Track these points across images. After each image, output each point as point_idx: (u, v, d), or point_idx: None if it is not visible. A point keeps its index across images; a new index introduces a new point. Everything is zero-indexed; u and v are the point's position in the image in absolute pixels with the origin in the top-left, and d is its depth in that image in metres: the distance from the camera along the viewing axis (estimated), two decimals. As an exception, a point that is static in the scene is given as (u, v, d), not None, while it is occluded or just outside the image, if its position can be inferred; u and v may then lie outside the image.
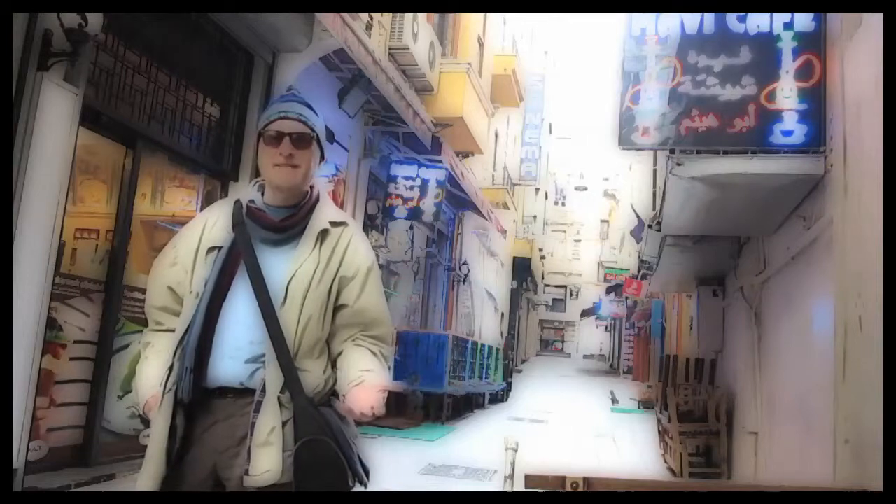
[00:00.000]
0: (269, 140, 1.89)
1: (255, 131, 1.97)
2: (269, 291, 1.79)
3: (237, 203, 1.94)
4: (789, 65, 4.61)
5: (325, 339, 1.88)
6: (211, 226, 1.95)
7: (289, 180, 1.89)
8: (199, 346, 1.78)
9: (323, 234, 1.90)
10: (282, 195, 1.91)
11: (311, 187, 1.98)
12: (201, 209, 6.11)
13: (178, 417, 1.77)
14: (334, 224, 1.94)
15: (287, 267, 1.84)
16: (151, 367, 1.90)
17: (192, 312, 1.82)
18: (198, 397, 1.78)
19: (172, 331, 1.88)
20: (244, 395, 1.78)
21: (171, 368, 1.81)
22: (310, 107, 1.97)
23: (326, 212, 1.96)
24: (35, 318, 4.02)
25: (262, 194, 1.95)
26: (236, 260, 1.85)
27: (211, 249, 1.88)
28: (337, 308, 1.89)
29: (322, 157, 1.98)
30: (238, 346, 1.79)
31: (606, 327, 43.38)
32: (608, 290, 32.03)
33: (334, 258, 1.89)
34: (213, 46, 6.14)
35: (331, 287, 1.87)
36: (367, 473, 1.81)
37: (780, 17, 4.65)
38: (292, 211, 1.91)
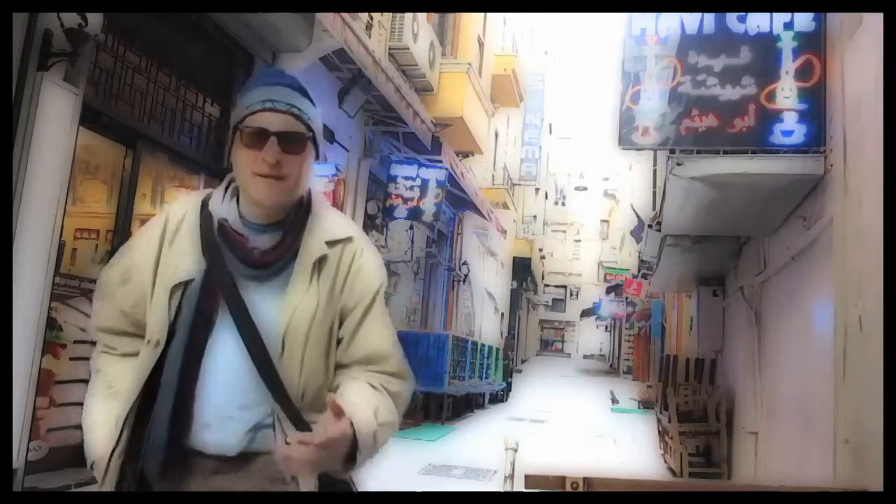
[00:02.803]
0: (250, 139, 1.42)
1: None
2: (263, 344, 1.39)
3: (205, 214, 1.48)
4: (789, 65, 4.61)
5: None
6: (171, 238, 1.49)
7: (273, 196, 1.43)
8: (174, 412, 1.39)
9: (321, 261, 1.47)
10: (264, 211, 1.46)
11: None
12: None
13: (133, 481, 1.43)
14: (333, 243, 1.49)
15: (278, 309, 1.42)
16: (102, 412, 1.48)
17: (148, 368, 1.42)
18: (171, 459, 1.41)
19: (130, 355, 1.51)
20: (241, 459, 1.42)
21: (121, 432, 1.42)
22: (304, 93, 1.49)
23: (323, 226, 1.50)
24: (35, 318, 4.02)
25: (238, 204, 1.48)
26: (212, 298, 1.42)
27: (177, 287, 1.43)
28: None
29: (317, 157, 1.52)
30: (229, 414, 1.40)
31: (606, 327, 43.37)
32: (608, 290, 32.04)
33: (336, 287, 1.48)
34: (213, 46, 6.14)
35: (332, 324, 1.48)
36: None
37: (780, 17, 4.65)
38: (277, 234, 1.46)
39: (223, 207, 1.48)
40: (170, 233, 1.50)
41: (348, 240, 1.52)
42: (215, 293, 1.42)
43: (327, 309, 1.46)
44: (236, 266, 1.44)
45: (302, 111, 1.45)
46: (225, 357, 1.41)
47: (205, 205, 1.50)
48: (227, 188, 1.52)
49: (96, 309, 1.59)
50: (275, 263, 1.45)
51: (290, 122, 1.43)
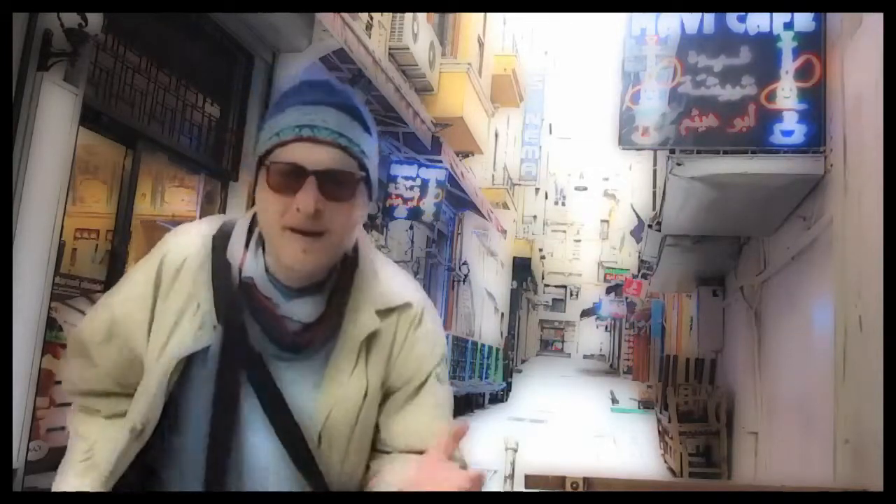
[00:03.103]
0: (279, 180, 1.04)
1: (255, 138, 1.21)
2: (302, 437, 1.09)
3: (218, 261, 1.12)
4: (789, 65, 4.61)
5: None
6: (167, 289, 1.13)
7: (309, 260, 1.06)
8: None
9: (371, 337, 1.13)
10: (297, 273, 1.10)
11: None
12: (201, 209, 6.11)
13: None
14: (386, 313, 1.14)
15: (315, 399, 1.10)
16: (78, 488, 1.19)
17: (128, 460, 1.12)
18: None
19: (118, 415, 1.20)
20: None
21: None
22: (357, 115, 1.09)
23: (375, 289, 1.15)
24: (35, 318, 4.02)
25: (264, 255, 1.12)
26: (232, 377, 1.09)
27: (180, 362, 1.09)
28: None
29: (370, 200, 1.14)
30: None
31: (606, 327, 43.38)
32: (608, 290, 32.04)
33: (388, 365, 1.15)
34: (213, 46, 6.14)
35: (380, 408, 1.16)
36: None
37: (780, 17, 4.66)
38: (315, 301, 1.11)
39: (248, 260, 1.11)
40: (166, 282, 1.12)
41: (406, 305, 1.16)
42: (235, 370, 1.09)
43: (378, 393, 1.14)
44: (263, 342, 1.08)
45: (352, 141, 1.06)
46: (256, 454, 1.10)
47: (217, 247, 1.13)
48: (249, 230, 1.14)
49: (72, 369, 1.26)
50: (312, 345, 1.09)
51: (337, 157, 1.04)
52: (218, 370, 1.09)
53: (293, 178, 1.03)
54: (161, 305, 1.13)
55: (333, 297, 1.12)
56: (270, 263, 1.11)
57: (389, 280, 1.19)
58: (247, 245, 1.13)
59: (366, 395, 1.12)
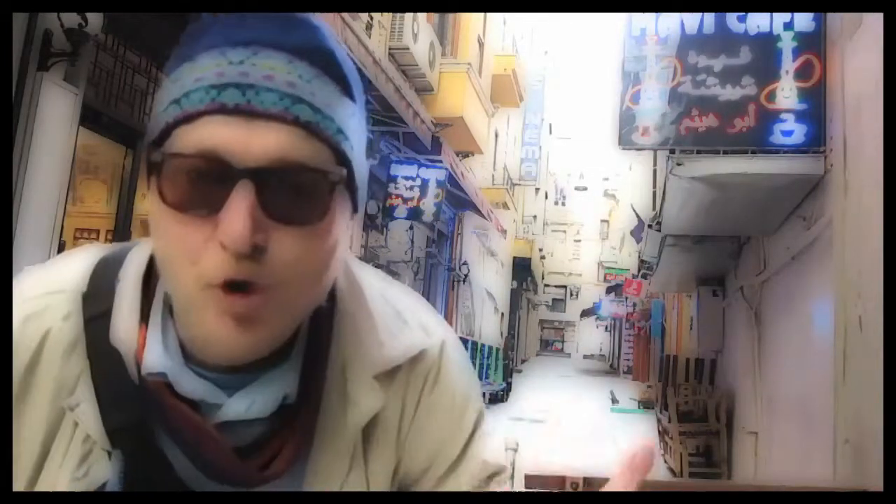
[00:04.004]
0: (183, 185, 0.56)
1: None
2: None
3: (95, 341, 0.64)
4: (789, 65, 4.61)
5: None
6: (21, 394, 0.64)
7: (246, 343, 0.58)
8: None
9: (372, 426, 0.70)
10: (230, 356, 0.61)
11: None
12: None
13: None
14: (391, 375, 0.71)
15: None
16: None
17: None
18: None
19: None
20: None
21: None
22: (330, 63, 0.60)
23: (371, 337, 0.71)
24: (35, 318, 4.02)
25: (176, 328, 0.64)
26: None
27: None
28: None
29: (355, 210, 0.65)
30: None
31: (606, 327, 43.38)
32: (608, 290, 32.03)
33: (397, 452, 0.73)
34: (213, 46, 6.15)
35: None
36: None
37: (780, 17, 4.66)
38: (274, 386, 0.64)
39: (150, 342, 0.63)
40: (16, 383, 0.63)
41: (416, 358, 0.73)
42: None
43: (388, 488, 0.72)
44: (194, 477, 0.64)
45: (322, 113, 0.58)
46: None
47: (94, 316, 0.65)
48: (146, 279, 0.66)
49: None
50: (278, 473, 0.65)
51: (294, 142, 0.57)
52: None
53: (211, 183, 0.55)
54: (14, 421, 0.63)
55: (304, 370, 0.66)
56: (186, 337, 0.62)
57: (390, 320, 0.73)
58: (143, 314, 0.65)
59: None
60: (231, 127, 0.55)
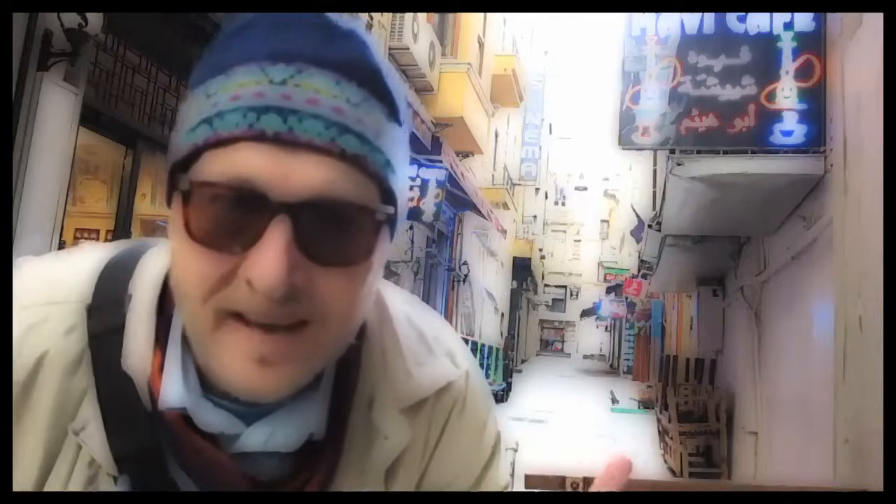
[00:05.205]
0: (212, 217, 0.52)
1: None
2: None
3: (110, 369, 0.59)
4: (789, 65, 4.61)
5: None
6: (20, 411, 0.58)
7: (270, 381, 0.54)
8: None
9: (399, 461, 0.68)
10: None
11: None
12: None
13: None
14: (418, 408, 0.69)
15: None
16: None
17: None
18: None
19: None
20: None
21: None
22: (378, 85, 0.55)
23: (399, 369, 0.68)
24: (35, 318, 4.02)
25: (193, 358, 0.58)
26: None
27: None
28: None
29: (391, 239, 0.59)
30: None
31: (606, 327, 43.39)
32: (608, 290, 32.04)
33: (418, 484, 0.73)
34: (213, 46, 6.15)
35: None
36: None
37: (780, 17, 4.66)
38: (298, 420, 0.60)
39: (168, 372, 0.59)
40: (16, 400, 0.58)
41: (444, 388, 0.71)
42: None
43: None
44: None
45: (371, 144, 0.54)
46: None
47: (100, 332, 0.60)
48: (160, 302, 0.61)
49: None
50: None
51: (338, 176, 0.52)
52: None
53: (242, 216, 0.51)
54: (14, 441, 0.58)
55: (332, 405, 0.63)
56: (205, 366, 0.57)
57: (416, 349, 0.70)
58: (159, 337, 0.60)
59: None
60: (270, 156, 0.50)
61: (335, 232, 0.52)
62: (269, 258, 0.49)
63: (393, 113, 0.56)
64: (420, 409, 0.69)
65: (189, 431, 0.58)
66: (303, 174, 0.51)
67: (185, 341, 0.59)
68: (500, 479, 0.76)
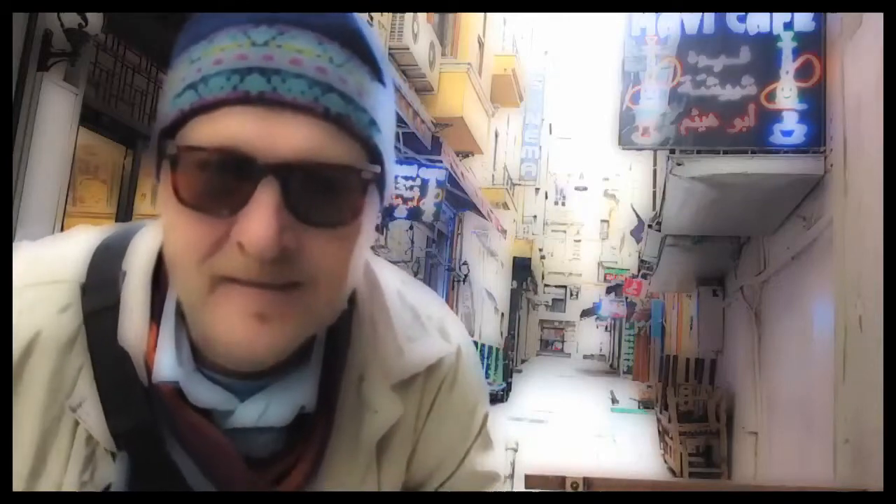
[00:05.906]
0: (200, 182, 0.53)
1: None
2: None
3: (105, 344, 0.59)
4: (789, 65, 4.61)
5: None
6: (15, 387, 0.59)
7: (265, 340, 0.54)
8: None
9: (390, 437, 0.68)
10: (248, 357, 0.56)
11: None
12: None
13: None
14: (408, 383, 0.69)
15: None
16: None
17: None
18: None
19: None
20: None
21: None
22: (361, 46, 0.55)
23: (389, 345, 0.68)
24: (35, 318, 4.02)
25: (187, 330, 0.60)
26: None
27: None
28: None
29: (381, 204, 0.61)
30: None
31: (606, 327, 43.39)
32: (608, 290, 32.05)
33: (409, 459, 0.73)
34: (213, 46, 6.15)
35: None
36: None
37: (780, 17, 4.66)
38: (291, 394, 0.61)
39: (161, 344, 0.60)
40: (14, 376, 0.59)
41: (435, 364, 0.71)
42: None
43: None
44: (198, 480, 0.61)
45: (355, 104, 0.54)
46: None
47: (96, 310, 0.60)
48: (156, 276, 0.62)
49: None
50: (286, 481, 0.63)
51: (325, 136, 0.53)
52: None
53: (231, 180, 0.52)
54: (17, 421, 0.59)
55: (323, 378, 0.63)
56: (200, 339, 0.58)
57: (408, 324, 0.70)
58: (154, 312, 0.61)
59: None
60: (254, 118, 0.51)
61: (322, 192, 0.53)
62: (258, 220, 0.50)
63: (376, 73, 0.57)
64: (411, 384, 0.69)
65: (184, 406, 0.59)
66: (288, 135, 0.51)
67: (180, 316, 0.60)
68: (487, 460, 0.76)
